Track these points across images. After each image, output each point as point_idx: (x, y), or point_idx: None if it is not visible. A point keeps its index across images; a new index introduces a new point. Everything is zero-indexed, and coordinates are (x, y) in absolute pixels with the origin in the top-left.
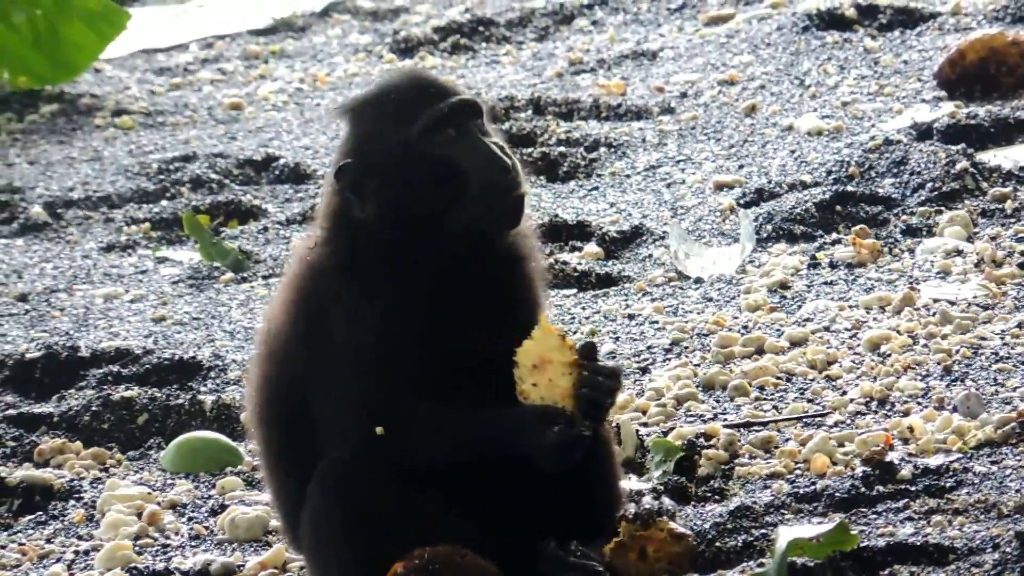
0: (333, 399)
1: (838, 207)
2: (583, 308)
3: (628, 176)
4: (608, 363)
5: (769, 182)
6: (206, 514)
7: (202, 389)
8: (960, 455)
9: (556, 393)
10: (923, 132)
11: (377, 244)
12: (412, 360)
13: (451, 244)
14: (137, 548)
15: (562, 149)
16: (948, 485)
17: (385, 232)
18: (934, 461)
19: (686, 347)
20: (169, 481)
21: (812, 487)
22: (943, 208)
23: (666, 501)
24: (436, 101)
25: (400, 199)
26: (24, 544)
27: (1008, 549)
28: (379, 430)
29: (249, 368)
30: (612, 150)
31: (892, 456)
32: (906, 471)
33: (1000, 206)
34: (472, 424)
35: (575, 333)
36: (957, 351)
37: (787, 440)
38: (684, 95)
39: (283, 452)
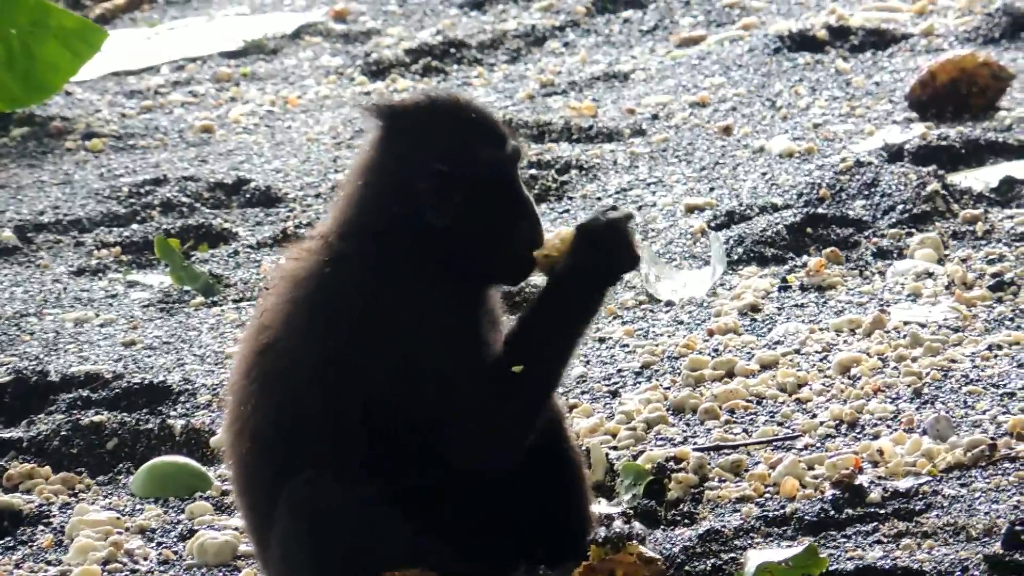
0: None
1: (809, 229)
2: None
3: (599, 199)
4: None
5: (740, 204)
6: (175, 539)
7: (172, 414)
8: (930, 478)
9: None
10: (894, 154)
11: (438, 248)
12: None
13: (496, 266)
14: (106, 573)
15: (533, 171)
16: (918, 508)
17: (452, 242)
18: (904, 484)
19: (656, 370)
20: (138, 506)
21: (782, 510)
22: (914, 230)
23: (636, 525)
24: (510, 135)
25: (478, 216)
26: None
27: (977, 572)
28: (516, 369)
29: (237, 391)
30: (583, 172)
31: (862, 479)
32: (876, 494)
33: (971, 228)
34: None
35: None
36: (927, 374)
37: (757, 463)
38: (655, 117)
39: (268, 476)
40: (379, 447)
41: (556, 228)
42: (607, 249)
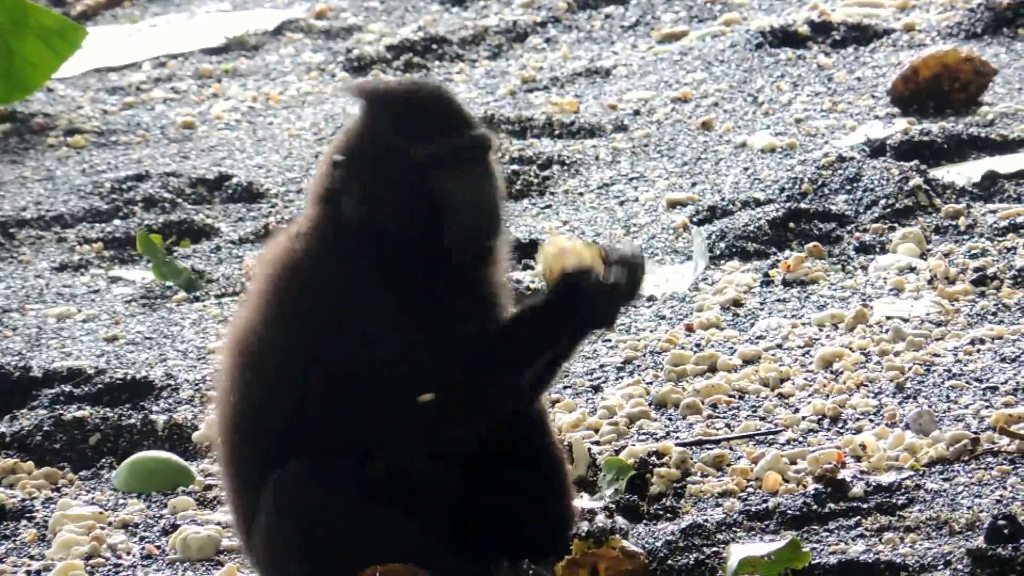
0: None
1: (791, 224)
2: None
3: (581, 194)
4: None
5: (722, 199)
6: (158, 534)
7: (154, 409)
8: (912, 472)
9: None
10: (876, 149)
11: (361, 239)
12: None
13: (422, 254)
14: (89, 568)
15: (515, 167)
16: (900, 502)
17: (368, 230)
18: (886, 478)
19: (639, 365)
20: (121, 501)
21: (764, 505)
22: (896, 225)
23: (618, 519)
24: (453, 131)
25: (382, 208)
26: None
27: (960, 566)
28: (427, 396)
29: (221, 380)
30: (565, 168)
31: (844, 473)
32: (858, 488)
33: (953, 223)
34: (522, 328)
35: None
36: (910, 368)
37: (739, 458)
38: (637, 113)
39: (251, 467)
40: (357, 439)
41: (543, 224)
42: (583, 304)
